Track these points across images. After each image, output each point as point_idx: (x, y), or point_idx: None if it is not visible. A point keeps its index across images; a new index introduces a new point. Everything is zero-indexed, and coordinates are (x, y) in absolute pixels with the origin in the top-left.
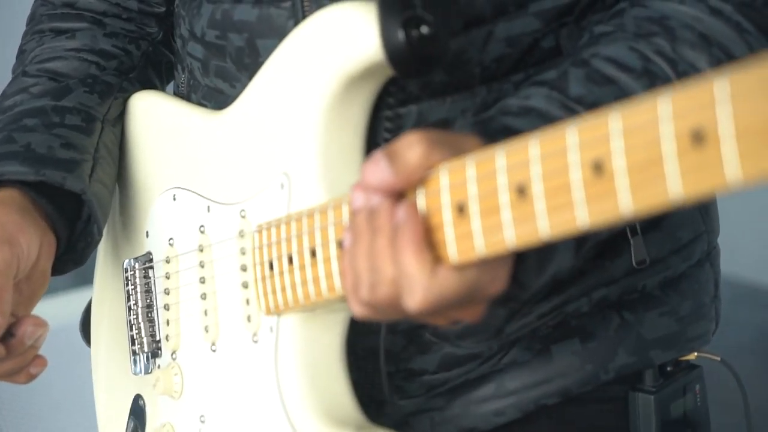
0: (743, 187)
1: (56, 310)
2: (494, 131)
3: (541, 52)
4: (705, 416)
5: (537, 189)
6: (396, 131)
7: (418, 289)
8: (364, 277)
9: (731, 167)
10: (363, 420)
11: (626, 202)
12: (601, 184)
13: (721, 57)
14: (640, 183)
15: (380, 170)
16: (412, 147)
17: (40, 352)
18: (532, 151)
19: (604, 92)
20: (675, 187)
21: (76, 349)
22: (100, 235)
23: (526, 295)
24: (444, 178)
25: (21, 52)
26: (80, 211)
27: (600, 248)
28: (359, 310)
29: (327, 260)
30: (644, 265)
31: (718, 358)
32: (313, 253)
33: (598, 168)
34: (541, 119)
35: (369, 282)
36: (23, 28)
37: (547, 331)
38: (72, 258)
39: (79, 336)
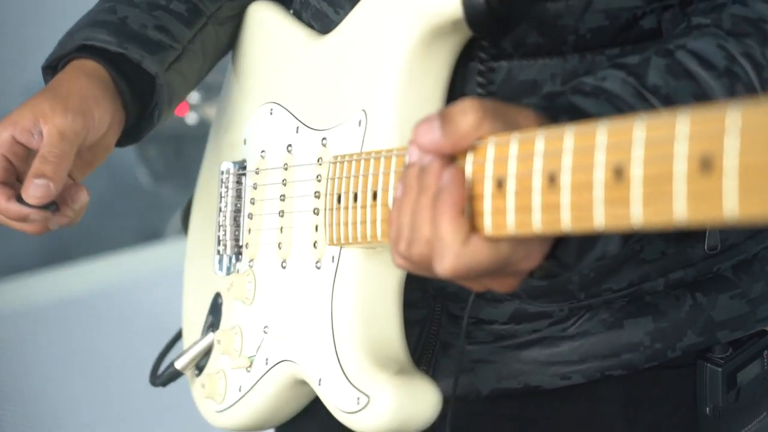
0: (740, 224)
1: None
2: (560, 107)
3: (640, 31)
4: None
5: (565, 180)
6: (487, 85)
7: (449, 254)
8: (404, 231)
9: (730, 201)
10: (407, 363)
11: (637, 213)
12: (618, 189)
13: None
14: (650, 196)
15: (432, 131)
16: (465, 114)
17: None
18: (566, 142)
19: (680, 86)
20: (679, 208)
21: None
22: (159, 120)
23: (568, 274)
24: (491, 149)
25: None
26: (152, 92)
27: (680, 232)
28: (398, 261)
29: (385, 205)
30: (716, 251)
31: None
32: (375, 196)
33: (619, 173)
34: (610, 103)
35: (408, 237)
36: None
37: (621, 304)
38: (132, 135)
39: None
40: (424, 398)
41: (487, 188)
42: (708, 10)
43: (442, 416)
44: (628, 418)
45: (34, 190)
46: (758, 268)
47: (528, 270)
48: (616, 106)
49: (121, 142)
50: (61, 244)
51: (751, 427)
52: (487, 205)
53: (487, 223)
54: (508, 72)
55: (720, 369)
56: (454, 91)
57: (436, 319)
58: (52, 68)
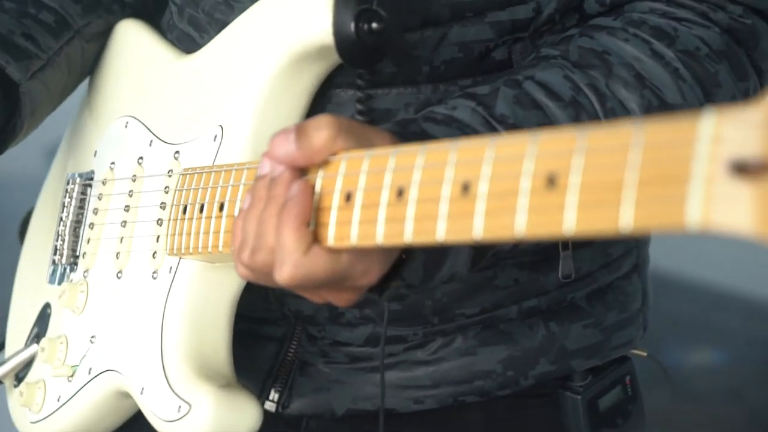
0: (576, 237)
1: None
2: (412, 133)
3: (492, 63)
4: (636, 405)
5: (412, 194)
6: (339, 113)
7: (288, 262)
8: (249, 240)
9: (569, 216)
10: (232, 379)
11: (478, 226)
12: (464, 203)
13: (652, 100)
14: (494, 210)
15: (287, 143)
16: (320, 129)
17: None
18: (418, 158)
19: (527, 116)
20: (520, 222)
21: None
22: (20, 131)
23: (416, 296)
24: (343, 165)
25: None
26: (12, 101)
27: (534, 260)
28: (240, 271)
29: (230, 216)
30: (570, 279)
31: (645, 354)
32: (221, 207)
33: (466, 188)
34: (460, 131)
35: (252, 246)
36: None
37: (476, 330)
38: None
39: None
40: (244, 413)
41: (335, 201)
42: (556, 42)
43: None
44: None
45: None
46: (611, 297)
47: (366, 285)
48: (465, 134)
49: None
50: None
51: None
52: (332, 217)
53: (330, 234)
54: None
55: (579, 396)
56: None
57: (295, 338)
58: None
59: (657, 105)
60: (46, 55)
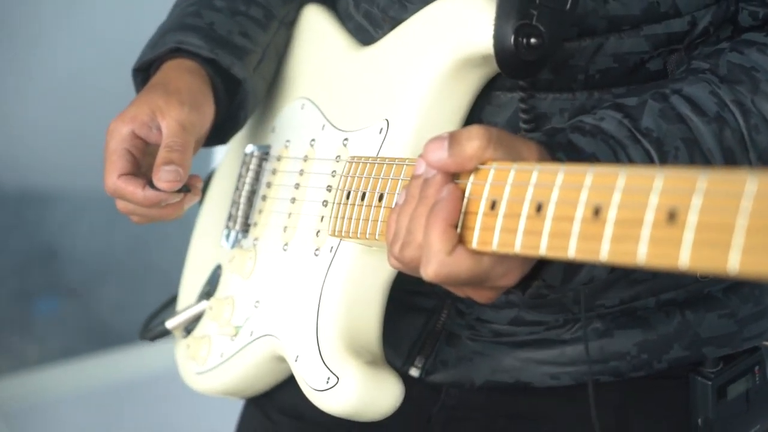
0: (690, 272)
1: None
2: (559, 143)
3: (646, 73)
4: (765, 394)
5: (550, 211)
6: (497, 114)
7: (434, 261)
8: (401, 235)
9: (685, 252)
10: (379, 355)
11: (605, 249)
12: (594, 226)
13: None
14: (619, 237)
15: (440, 150)
16: (471, 140)
17: None
18: (558, 177)
19: (671, 129)
20: (642, 251)
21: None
22: (245, 121)
23: (556, 295)
24: (491, 174)
25: None
26: (235, 95)
27: None
28: (392, 261)
29: (388, 207)
30: (706, 278)
31: None
32: (381, 198)
33: (597, 212)
34: (605, 143)
35: (403, 240)
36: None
37: (614, 315)
38: (218, 136)
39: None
40: (388, 390)
41: (481, 207)
42: (708, 55)
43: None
44: (620, 423)
45: (166, 175)
46: (748, 291)
47: (505, 286)
48: (609, 146)
49: (208, 142)
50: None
51: None
52: (478, 222)
53: (475, 238)
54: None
55: (710, 383)
56: (471, 116)
57: (445, 310)
58: (142, 70)
59: None
60: (261, 49)
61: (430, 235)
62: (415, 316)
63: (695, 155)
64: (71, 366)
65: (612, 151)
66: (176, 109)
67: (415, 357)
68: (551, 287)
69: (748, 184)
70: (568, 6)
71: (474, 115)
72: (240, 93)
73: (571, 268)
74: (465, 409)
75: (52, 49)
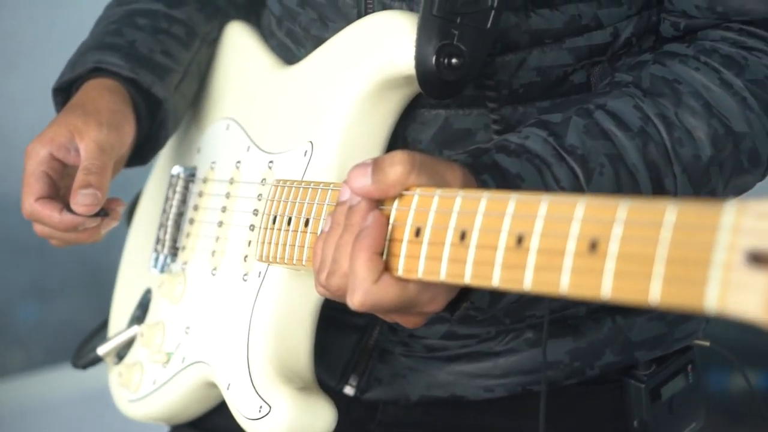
0: (612, 303)
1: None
2: (484, 165)
3: (570, 85)
4: (699, 392)
5: (473, 239)
6: (422, 131)
7: (359, 290)
8: (327, 263)
9: (607, 282)
10: (311, 381)
11: (528, 278)
12: (517, 255)
13: (719, 128)
14: (542, 266)
15: (364, 177)
16: (394, 166)
17: None
18: (480, 205)
19: (596, 145)
20: (564, 281)
21: None
22: (165, 141)
23: (485, 317)
24: (415, 200)
25: None
26: (156, 114)
27: None
28: (319, 289)
29: (314, 233)
30: None
31: (708, 344)
32: (306, 223)
33: (519, 241)
34: (530, 163)
35: (329, 269)
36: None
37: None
38: (138, 156)
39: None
40: (320, 415)
41: (406, 234)
42: (631, 67)
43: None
44: (557, 429)
45: (83, 199)
46: None
47: (432, 312)
48: (535, 165)
49: (128, 163)
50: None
51: None
52: (403, 249)
53: (400, 266)
54: (445, 120)
55: (643, 385)
56: (396, 134)
57: (377, 327)
58: (63, 90)
59: (723, 133)
60: (183, 67)
61: (356, 263)
62: (348, 334)
63: (620, 171)
64: (56, 372)
65: (537, 170)
66: (95, 130)
67: (350, 375)
68: (479, 309)
69: (668, 213)
70: (489, 24)
71: (399, 133)
72: (161, 112)
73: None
74: (402, 426)
75: (47, 53)
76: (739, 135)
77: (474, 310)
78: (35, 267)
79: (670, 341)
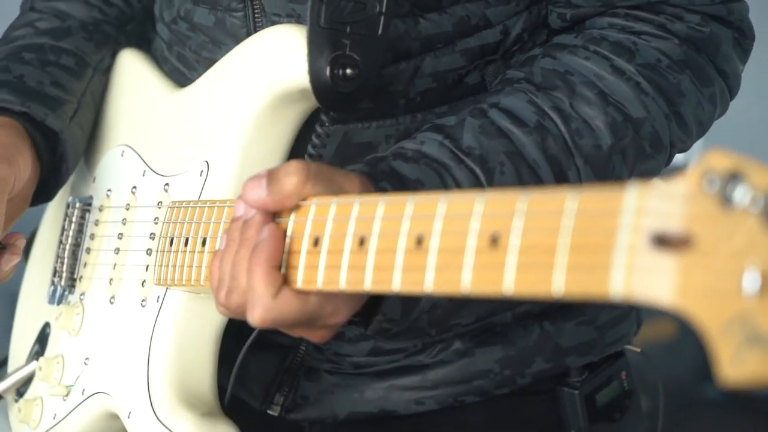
0: (516, 298)
1: None
2: (382, 172)
3: (465, 88)
4: (633, 398)
5: (372, 244)
6: (321, 147)
7: (259, 306)
8: (225, 281)
9: (509, 276)
10: (214, 407)
11: (429, 279)
12: (417, 257)
13: (616, 116)
14: (443, 266)
15: (258, 188)
16: (289, 176)
17: None
18: (378, 210)
19: (494, 144)
20: (466, 279)
21: None
22: (68, 175)
23: (399, 329)
24: (312, 210)
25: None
26: (54, 149)
27: None
28: (219, 309)
29: (212, 252)
30: None
31: (639, 350)
32: (204, 242)
33: (420, 241)
34: (429, 167)
35: (227, 287)
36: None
37: (473, 334)
38: (43, 192)
39: None
40: None
41: (304, 245)
42: (522, 63)
43: None
44: None
45: None
46: None
47: (337, 324)
48: (434, 169)
49: (33, 201)
50: None
51: None
52: (301, 261)
53: (299, 278)
54: (344, 135)
55: (577, 392)
56: (297, 152)
57: (302, 346)
58: None
59: (621, 120)
60: (76, 98)
61: (253, 278)
62: (272, 353)
63: (521, 168)
64: None
65: (437, 174)
66: None
67: (274, 395)
68: (393, 321)
69: (568, 201)
70: (380, 31)
71: (299, 151)
72: (59, 146)
73: (410, 298)
74: None
75: None
76: (637, 121)
77: (387, 322)
78: None
79: (601, 346)
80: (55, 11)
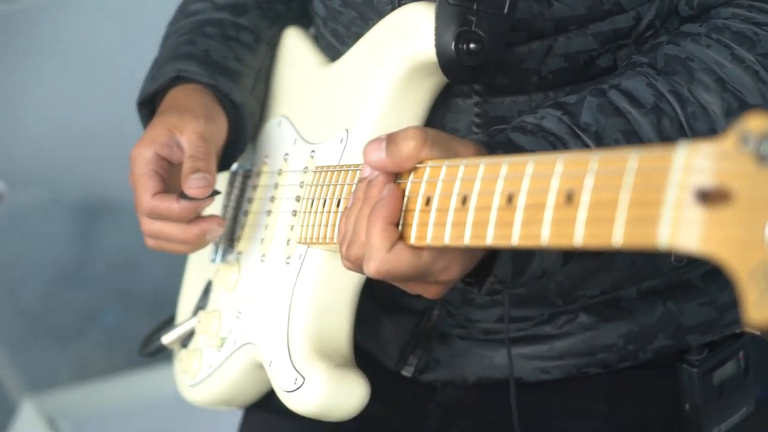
0: (584, 249)
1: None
2: (499, 142)
3: (597, 69)
4: (748, 379)
5: (472, 202)
6: (458, 120)
7: (375, 258)
8: (348, 235)
9: (579, 231)
10: (349, 360)
11: (516, 234)
12: (507, 213)
13: (733, 102)
14: (528, 221)
15: (378, 151)
16: (407, 140)
17: None
18: (480, 170)
19: (610, 123)
20: (545, 233)
21: None
22: (245, 145)
23: (511, 289)
24: (427, 171)
25: None
26: (236, 120)
27: None
28: (343, 262)
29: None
30: (683, 263)
31: (759, 332)
32: (338, 203)
33: (510, 199)
34: (546, 140)
35: (349, 240)
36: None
37: (599, 308)
38: (222, 162)
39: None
40: (353, 391)
41: (418, 204)
42: (648, 49)
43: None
44: (611, 412)
45: (195, 182)
46: (725, 277)
47: (449, 280)
48: (549, 142)
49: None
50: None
51: (731, 420)
52: (415, 219)
53: (412, 234)
54: (480, 108)
55: (695, 369)
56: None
57: (435, 311)
58: (146, 103)
59: (737, 107)
60: (254, 72)
61: (372, 233)
62: (407, 317)
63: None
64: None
65: (552, 147)
66: (192, 122)
67: (408, 357)
68: (504, 282)
69: (630, 160)
70: (506, 10)
71: (435, 122)
72: (239, 117)
73: (520, 262)
74: (460, 406)
75: (110, 58)
76: (753, 107)
77: (498, 284)
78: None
79: (720, 326)
80: None
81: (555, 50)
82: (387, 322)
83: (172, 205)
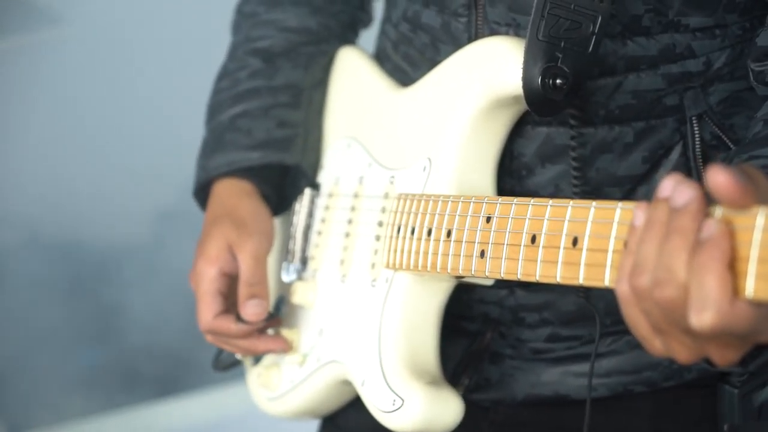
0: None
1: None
2: None
3: (663, 108)
4: None
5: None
6: (526, 146)
7: (712, 309)
8: (649, 267)
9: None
10: (439, 377)
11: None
12: None
13: None
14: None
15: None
16: (758, 178)
17: None
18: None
19: None
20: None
21: None
22: (308, 184)
23: None
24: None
25: (243, 15)
26: (289, 177)
27: None
28: (626, 291)
29: (437, 240)
30: None
31: None
32: (429, 232)
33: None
34: None
35: (654, 276)
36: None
37: None
38: (281, 208)
39: None
40: (449, 407)
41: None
42: None
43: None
44: (655, 430)
45: (252, 308)
46: None
47: (764, 340)
48: None
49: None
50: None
51: None
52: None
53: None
54: (546, 136)
55: (737, 390)
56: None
57: (488, 333)
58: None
59: None
60: (301, 127)
61: (705, 279)
62: (460, 339)
63: None
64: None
65: None
66: (248, 242)
67: (461, 376)
68: None
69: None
70: (590, 49)
71: (505, 147)
72: (292, 176)
73: None
74: (512, 426)
75: (133, 98)
76: None
77: None
78: None
79: (765, 350)
80: (260, 52)
81: (624, 87)
82: (442, 343)
83: (231, 327)
